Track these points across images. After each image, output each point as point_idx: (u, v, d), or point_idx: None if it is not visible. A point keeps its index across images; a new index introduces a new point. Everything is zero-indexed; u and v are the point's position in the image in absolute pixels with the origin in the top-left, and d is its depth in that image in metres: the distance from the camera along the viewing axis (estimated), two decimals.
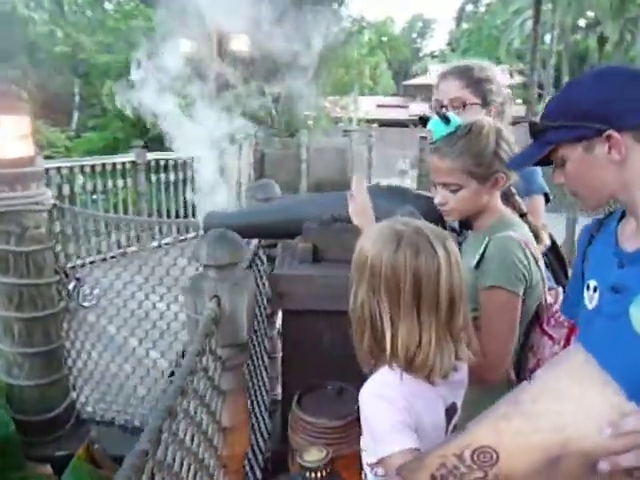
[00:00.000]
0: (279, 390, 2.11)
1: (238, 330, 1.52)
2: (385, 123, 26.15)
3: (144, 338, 2.64)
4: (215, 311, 1.45)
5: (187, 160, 6.52)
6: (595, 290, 1.12)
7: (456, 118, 1.38)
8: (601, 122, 1.00)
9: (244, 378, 1.63)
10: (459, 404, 1.14)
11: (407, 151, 11.32)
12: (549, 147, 1.08)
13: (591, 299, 1.12)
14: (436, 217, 1.74)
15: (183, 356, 2.52)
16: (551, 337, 1.38)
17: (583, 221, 1.38)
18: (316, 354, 1.74)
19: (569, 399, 0.76)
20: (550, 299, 1.42)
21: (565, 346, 1.40)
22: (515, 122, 1.26)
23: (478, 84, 1.67)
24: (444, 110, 1.59)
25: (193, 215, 5.85)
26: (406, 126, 27.93)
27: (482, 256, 1.34)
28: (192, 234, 5.16)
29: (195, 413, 1.18)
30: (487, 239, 1.35)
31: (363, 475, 1.20)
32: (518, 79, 19.76)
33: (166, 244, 5.25)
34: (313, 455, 1.33)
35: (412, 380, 1.01)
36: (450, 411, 1.10)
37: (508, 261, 1.30)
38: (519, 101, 17.47)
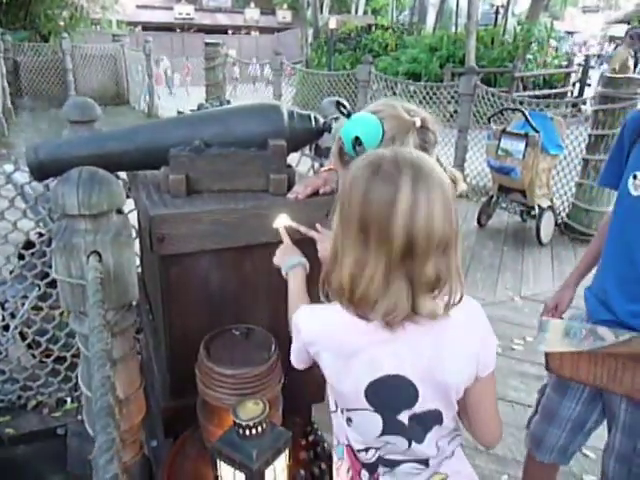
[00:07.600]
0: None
1: (128, 289, 1.26)
2: (149, 26, 23.99)
3: None
4: (100, 271, 1.17)
5: None
6: None
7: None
8: None
9: (133, 340, 1.39)
10: (421, 389, 0.98)
11: (191, 59, 10.49)
12: None
13: (637, 187, 1.25)
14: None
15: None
16: None
17: None
18: (204, 299, 1.56)
19: None
20: None
21: None
22: None
23: None
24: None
25: None
26: (173, 30, 26.06)
27: None
28: None
29: None
30: None
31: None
32: None
33: None
34: (249, 410, 1.21)
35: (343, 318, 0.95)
36: (392, 384, 0.97)
37: None
38: None
